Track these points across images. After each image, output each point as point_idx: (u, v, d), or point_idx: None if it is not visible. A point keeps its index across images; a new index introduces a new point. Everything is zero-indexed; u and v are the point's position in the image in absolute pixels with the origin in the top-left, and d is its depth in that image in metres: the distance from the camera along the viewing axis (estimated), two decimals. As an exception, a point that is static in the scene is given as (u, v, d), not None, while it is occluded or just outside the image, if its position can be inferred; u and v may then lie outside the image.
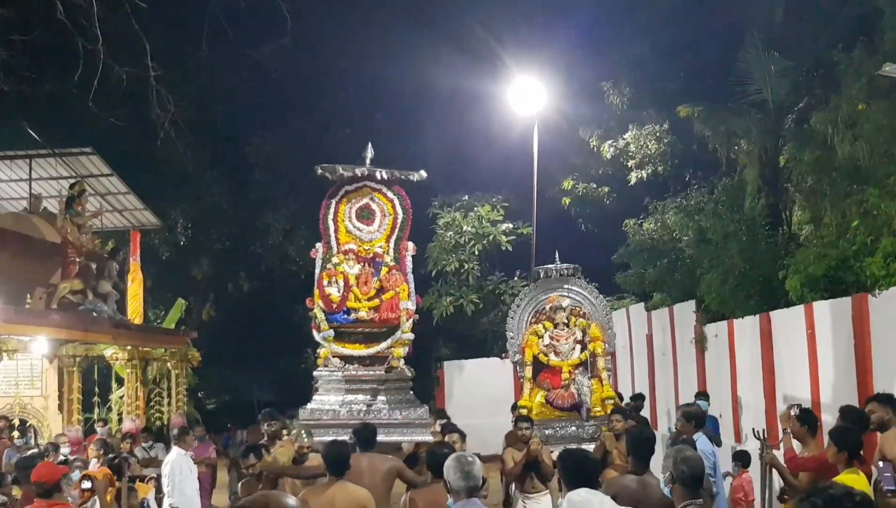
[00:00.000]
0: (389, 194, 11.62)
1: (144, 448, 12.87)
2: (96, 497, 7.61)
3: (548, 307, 11.47)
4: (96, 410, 16.78)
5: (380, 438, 8.85)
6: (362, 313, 11.22)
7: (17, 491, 8.01)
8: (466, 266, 23.90)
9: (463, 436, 9.10)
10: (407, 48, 26.39)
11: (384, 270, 11.36)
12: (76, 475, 8.23)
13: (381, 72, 27.81)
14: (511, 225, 24.24)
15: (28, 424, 15.68)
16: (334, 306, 11.17)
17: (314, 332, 11.45)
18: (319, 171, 11.58)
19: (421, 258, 24.64)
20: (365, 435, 7.65)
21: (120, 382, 18.03)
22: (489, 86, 23.32)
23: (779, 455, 8.04)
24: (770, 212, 15.49)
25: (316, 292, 11.26)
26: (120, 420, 16.86)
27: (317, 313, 11.25)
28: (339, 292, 11.18)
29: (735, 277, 14.12)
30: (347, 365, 11.29)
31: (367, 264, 11.39)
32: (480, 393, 20.08)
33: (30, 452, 10.74)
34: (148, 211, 20.90)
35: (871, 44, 13.62)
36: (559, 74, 21.98)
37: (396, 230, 11.61)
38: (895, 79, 11.21)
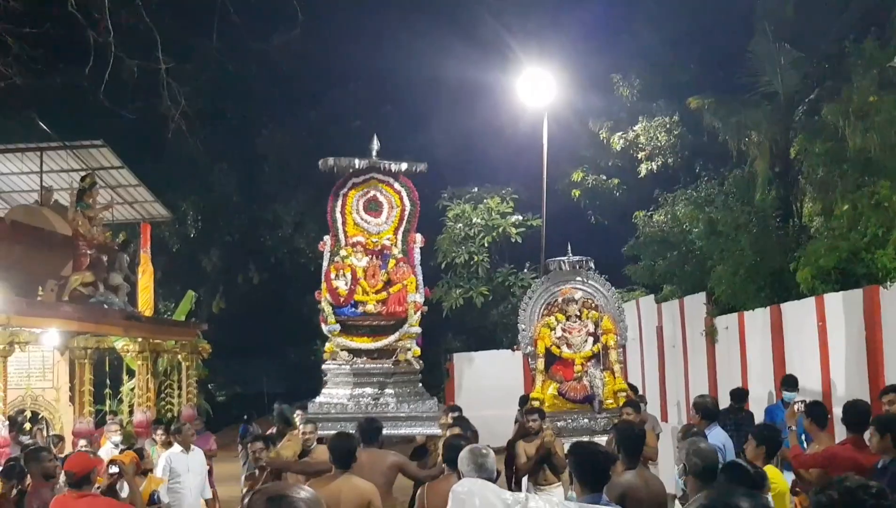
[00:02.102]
0: (396, 186, 11.58)
1: (154, 440, 12.91)
2: (124, 480, 7.64)
3: (560, 300, 11.45)
4: (107, 402, 16.80)
5: (388, 431, 8.87)
6: (370, 307, 11.19)
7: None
8: (476, 258, 23.92)
9: (471, 431, 9.05)
10: (416, 40, 26.39)
11: (392, 262, 11.31)
12: None
13: (390, 64, 27.81)
14: (520, 217, 24.23)
15: (40, 416, 15.74)
16: (342, 299, 11.14)
17: (322, 325, 11.45)
18: (330, 162, 11.55)
19: (430, 250, 24.65)
20: (368, 430, 7.59)
21: (131, 374, 18.08)
22: (499, 77, 23.31)
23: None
24: (780, 204, 15.45)
25: (323, 285, 11.24)
26: (131, 412, 16.91)
27: (324, 306, 11.24)
28: (346, 285, 11.15)
29: (745, 269, 14.08)
30: (356, 359, 11.28)
31: (374, 257, 11.35)
32: (490, 385, 20.10)
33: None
34: (158, 203, 20.95)
35: (883, 35, 13.56)
36: (569, 66, 21.93)
37: (404, 222, 11.57)
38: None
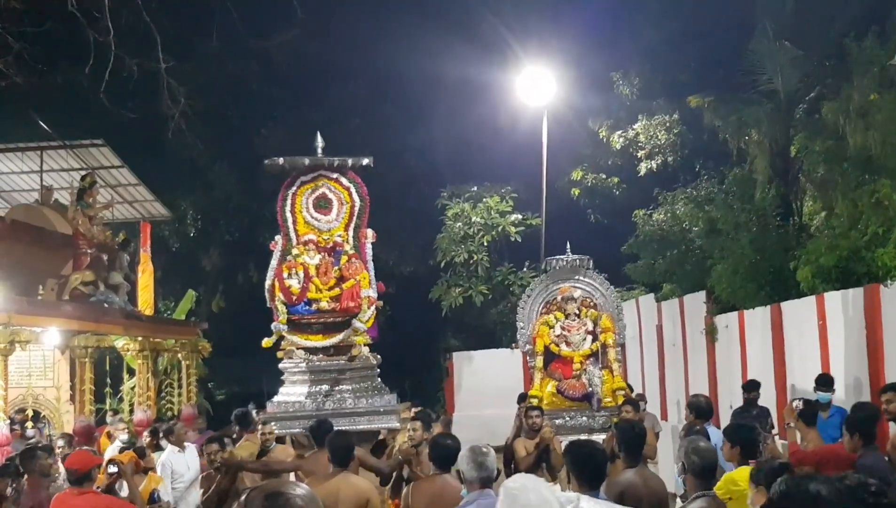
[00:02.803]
0: (345, 182, 11.45)
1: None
2: (124, 480, 7.66)
3: (559, 298, 11.47)
4: (108, 401, 16.81)
5: (347, 427, 8.97)
6: (323, 304, 11.12)
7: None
8: (475, 257, 23.90)
9: (427, 425, 9.18)
10: (416, 39, 26.35)
11: (344, 258, 11.22)
12: None
13: (390, 62, 27.77)
14: (520, 216, 24.22)
15: (42, 415, 15.75)
16: (294, 298, 11.09)
17: (273, 324, 11.39)
18: (280, 162, 11.46)
19: (430, 249, 24.74)
20: (322, 432, 7.52)
21: (131, 373, 18.11)
22: (498, 76, 23.31)
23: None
24: (781, 202, 15.43)
25: (276, 284, 11.17)
26: (132, 411, 16.92)
27: (278, 305, 11.19)
28: (299, 283, 11.10)
29: (745, 267, 14.07)
30: (312, 356, 11.25)
31: (326, 254, 11.28)
32: (490, 384, 20.08)
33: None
34: (158, 202, 20.99)
35: (884, 33, 13.54)
36: (568, 64, 21.94)
37: (354, 218, 11.44)
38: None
